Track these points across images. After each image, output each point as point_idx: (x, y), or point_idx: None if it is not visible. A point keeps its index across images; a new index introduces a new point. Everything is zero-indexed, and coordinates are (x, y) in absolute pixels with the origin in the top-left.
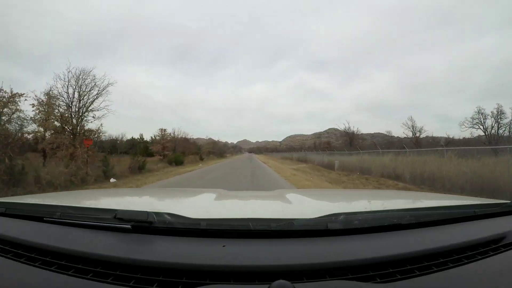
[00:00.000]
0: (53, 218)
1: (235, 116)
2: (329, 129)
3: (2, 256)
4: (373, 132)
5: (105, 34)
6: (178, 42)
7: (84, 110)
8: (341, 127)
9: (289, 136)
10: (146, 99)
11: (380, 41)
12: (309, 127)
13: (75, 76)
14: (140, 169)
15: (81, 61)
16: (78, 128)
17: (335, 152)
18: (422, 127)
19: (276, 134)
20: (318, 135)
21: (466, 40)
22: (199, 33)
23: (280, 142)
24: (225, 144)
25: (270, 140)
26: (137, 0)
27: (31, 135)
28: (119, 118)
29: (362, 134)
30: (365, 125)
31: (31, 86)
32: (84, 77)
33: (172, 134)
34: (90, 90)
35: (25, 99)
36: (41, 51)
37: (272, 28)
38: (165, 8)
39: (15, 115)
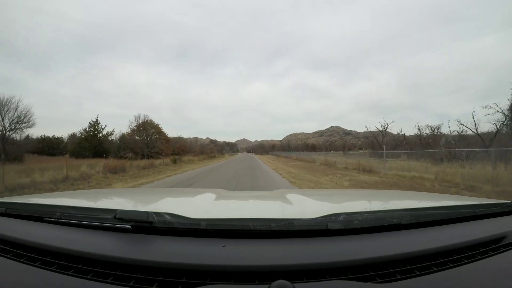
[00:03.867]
0: (53, 218)
1: (234, 115)
2: (331, 127)
3: (2, 256)
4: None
5: (104, 33)
6: (177, 41)
7: None
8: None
9: (290, 134)
10: (146, 97)
11: (381, 41)
12: (310, 126)
13: None
14: None
15: (80, 60)
16: None
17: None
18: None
19: (276, 132)
20: (320, 133)
21: (466, 40)
22: (199, 32)
23: (280, 140)
24: (213, 142)
25: (270, 139)
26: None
27: None
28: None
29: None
30: (365, 125)
31: (32, 85)
32: None
33: None
34: None
35: None
36: (41, 50)
37: (272, 27)
38: (165, 6)
39: None
